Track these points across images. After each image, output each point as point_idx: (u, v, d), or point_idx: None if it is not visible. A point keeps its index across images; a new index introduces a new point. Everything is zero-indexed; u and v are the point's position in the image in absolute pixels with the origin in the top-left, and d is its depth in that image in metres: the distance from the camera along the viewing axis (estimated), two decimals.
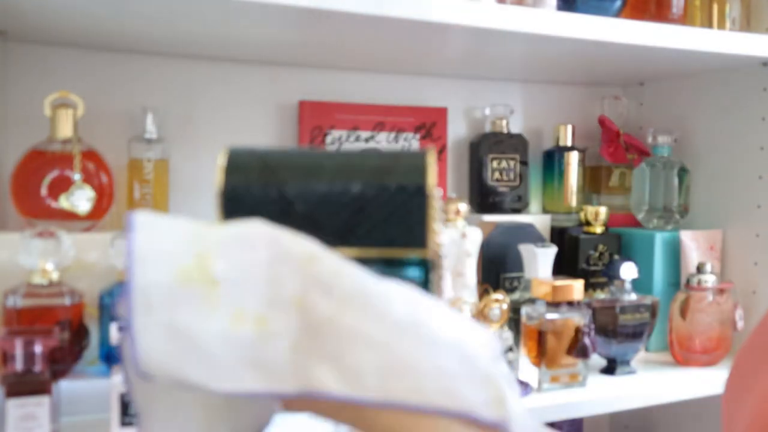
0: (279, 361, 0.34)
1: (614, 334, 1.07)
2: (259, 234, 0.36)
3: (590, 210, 1.22)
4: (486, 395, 0.35)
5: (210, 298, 0.34)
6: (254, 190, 0.38)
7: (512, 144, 1.28)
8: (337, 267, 0.36)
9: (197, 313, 0.34)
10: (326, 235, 0.37)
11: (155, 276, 0.34)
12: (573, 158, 1.31)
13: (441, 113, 1.27)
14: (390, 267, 0.37)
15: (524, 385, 0.97)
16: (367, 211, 0.37)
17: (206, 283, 0.35)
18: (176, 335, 0.34)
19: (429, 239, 0.38)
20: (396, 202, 0.37)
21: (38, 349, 0.77)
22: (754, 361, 0.43)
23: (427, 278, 0.38)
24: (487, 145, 1.26)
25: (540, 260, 1.06)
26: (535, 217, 1.26)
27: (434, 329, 0.35)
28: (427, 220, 0.37)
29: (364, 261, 0.36)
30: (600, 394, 1.00)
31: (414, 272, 0.38)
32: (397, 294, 0.36)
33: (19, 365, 0.76)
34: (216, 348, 0.34)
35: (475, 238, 1.07)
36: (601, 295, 1.14)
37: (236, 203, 0.38)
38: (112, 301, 0.88)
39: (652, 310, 1.09)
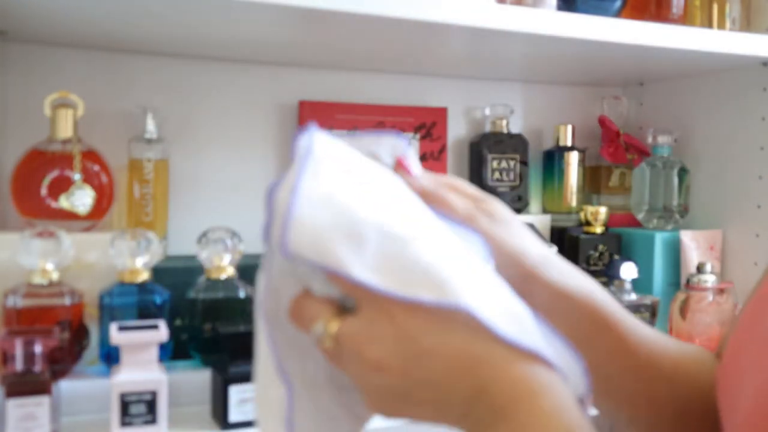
0: (418, 269, 0.35)
1: None
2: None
3: (590, 210, 1.22)
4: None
5: (366, 196, 0.37)
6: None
7: (512, 144, 1.28)
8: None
9: (355, 199, 0.36)
10: None
11: (327, 166, 0.37)
12: (573, 158, 1.31)
13: (441, 113, 1.27)
14: None
15: None
16: None
17: (364, 185, 0.38)
18: (334, 206, 0.36)
19: None
20: None
21: (38, 349, 0.77)
22: (753, 349, 0.43)
23: None
24: (487, 145, 1.26)
25: None
26: (535, 217, 1.26)
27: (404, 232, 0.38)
28: None
29: None
30: None
31: None
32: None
33: (19, 365, 0.76)
34: (366, 230, 0.35)
35: None
36: None
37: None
38: (111, 301, 0.88)
39: (652, 310, 1.09)
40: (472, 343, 0.35)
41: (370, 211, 0.36)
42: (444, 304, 0.35)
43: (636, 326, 0.49)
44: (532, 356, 0.35)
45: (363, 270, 0.35)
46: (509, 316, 0.36)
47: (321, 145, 0.39)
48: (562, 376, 0.36)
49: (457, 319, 0.35)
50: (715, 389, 0.47)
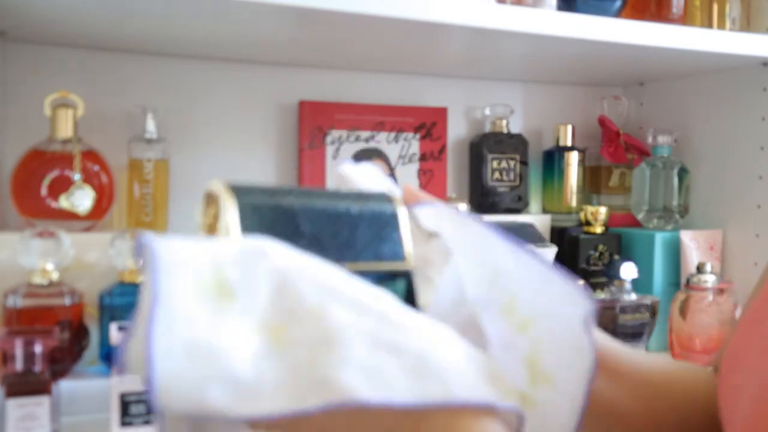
0: (300, 373, 0.33)
1: (614, 334, 1.06)
2: (272, 246, 0.36)
3: (590, 210, 1.22)
4: (497, 388, 0.36)
5: (227, 312, 0.33)
6: (266, 211, 0.41)
7: (512, 144, 1.28)
8: (348, 278, 0.37)
9: (216, 327, 0.33)
10: (329, 253, 0.40)
11: (173, 292, 0.33)
12: (573, 158, 1.31)
13: (441, 113, 1.27)
14: (380, 280, 0.42)
15: None
16: (358, 231, 0.42)
17: (223, 297, 0.33)
18: (198, 354, 0.32)
19: (406, 253, 0.44)
20: (379, 222, 0.43)
21: (38, 349, 0.77)
22: (754, 352, 0.43)
23: (409, 287, 0.43)
24: (487, 145, 1.26)
25: None
26: (535, 217, 1.26)
27: (440, 331, 0.37)
28: (403, 236, 0.44)
29: (359, 274, 0.40)
30: None
31: (400, 283, 0.43)
32: (397, 305, 0.38)
33: (19, 365, 0.76)
34: (238, 365, 0.32)
35: None
36: (601, 295, 1.13)
37: (247, 221, 0.40)
38: (111, 301, 0.88)
39: (652, 310, 1.09)
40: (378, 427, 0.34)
41: (234, 337, 0.33)
42: (333, 404, 0.32)
43: (628, 351, 0.50)
44: (457, 411, 0.35)
45: (238, 405, 0.32)
46: (424, 374, 0.34)
47: (168, 258, 0.33)
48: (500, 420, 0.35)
49: (354, 413, 0.34)
50: (716, 398, 0.47)
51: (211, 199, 0.40)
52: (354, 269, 0.40)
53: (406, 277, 0.43)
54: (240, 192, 0.40)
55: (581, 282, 0.38)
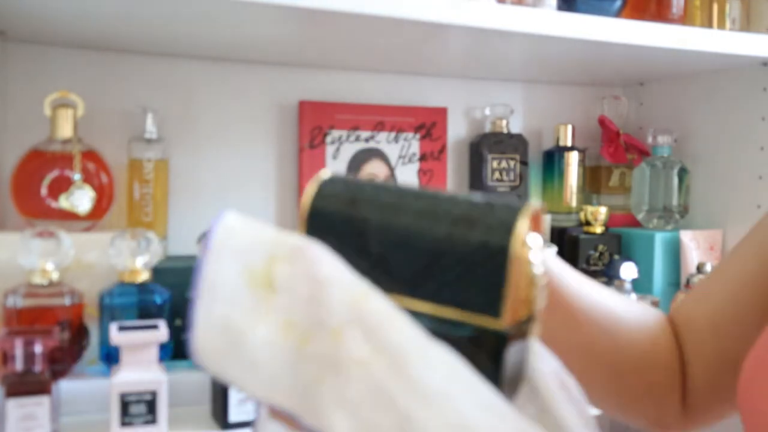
0: (305, 388, 0.33)
1: None
2: (324, 254, 0.36)
3: (590, 210, 1.23)
4: None
5: (267, 303, 0.35)
6: (336, 220, 0.36)
7: (512, 144, 1.28)
8: (388, 313, 0.33)
9: (253, 314, 0.35)
10: (395, 281, 0.34)
11: (225, 272, 0.35)
12: (573, 158, 1.31)
13: (441, 113, 1.27)
14: (454, 330, 0.33)
15: None
16: (441, 264, 0.33)
17: (267, 288, 0.35)
18: (228, 332, 0.35)
19: (504, 309, 0.32)
20: (474, 259, 0.33)
21: (38, 349, 0.77)
22: None
23: (496, 354, 0.33)
24: (487, 145, 1.26)
25: None
26: None
27: (462, 410, 0.31)
28: (506, 286, 0.32)
29: (427, 317, 0.33)
30: None
31: (476, 343, 0.33)
32: (440, 362, 0.32)
33: (19, 365, 0.76)
34: (259, 353, 0.34)
35: None
36: None
37: (316, 231, 0.37)
38: (111, 301, 0.88)
39: None
40: None
41: (266, 328, 0.35)
42: None
43: (580, 283, 0.52)
44: None
45: (252, 387, 0.34)
46: None
47: (224, 236, 0.36)
48: None
49: None
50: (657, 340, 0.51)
51: None
52: (424, 310, 0.34)
53: (496, 337, 0.33)
54: (324, 189, 0.37)
55: None
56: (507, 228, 0.32)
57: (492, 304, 0.32)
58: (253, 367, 0.34)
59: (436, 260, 0.33)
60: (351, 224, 0.35)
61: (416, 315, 0.34)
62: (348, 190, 0.36)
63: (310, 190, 0.37)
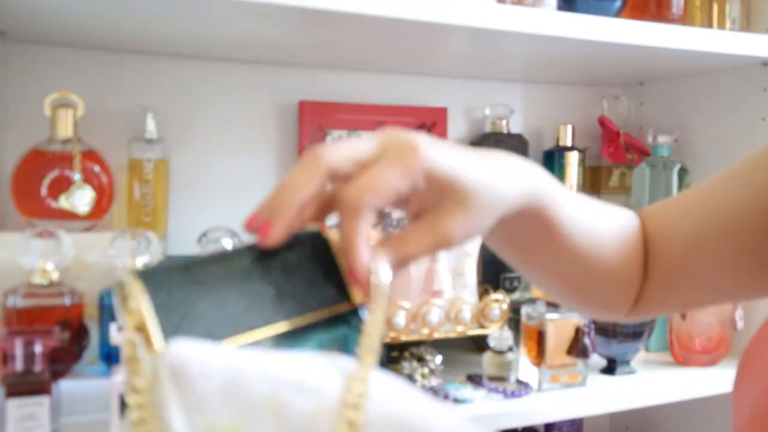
0: None
1: (614, 334, 1.07)
2: (203, 350, 0.34)
3: None
4: None
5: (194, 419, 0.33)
6: (177, 290, 0.37)
7: (512, 144, 1.28)
8: (297, 360, 0.34)
9: None
10: (266, 312, 0.37)
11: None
12: (573, 158, 1.31)
13: (441, 113, 1.27)
14: (331, 327, 0.39)
15: (524, 385, 0.97)
16: (289, 286, 0.39)
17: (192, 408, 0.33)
18: None
19: (349, 291, 0.40)
20: (311, 268, 0.39)
21: (38, 349, 0.77)
22: (757, 353, 0.43)
23: (357, 327, 0.39)
24: (487, 145, 1.26)
25: None
26: None
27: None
28: (341, 273, 0.40)
29: (306, 328, 0.38)
30: (600, 394, 1.00)
31: (354, 324, 0.39)
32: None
33: (19, 365, 0.76)
34: None
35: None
36: None
37: (160, 307, 0.36)
38: (111, 300, 0.88)
39: None
40: None
41: None
42: None
43: (573, 219, 0.54)
44: None
45: None
46: None
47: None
48: None
49: None
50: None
51: (123, 293, 0.36)
52: (303, 323, 0.38)
53: (356, 314, 0.39)
54: (149, 276, 0.36)
55: None
56: (317, 235, 0.40)
57: (341, 292, 0.39)
58: None
59: (283, 284, 0.38)
60: (196, 286, 0.37)
61: (298, 334, 0.38)
62: (170, 266, 0.37)
63: (133, 282, 0.35)
